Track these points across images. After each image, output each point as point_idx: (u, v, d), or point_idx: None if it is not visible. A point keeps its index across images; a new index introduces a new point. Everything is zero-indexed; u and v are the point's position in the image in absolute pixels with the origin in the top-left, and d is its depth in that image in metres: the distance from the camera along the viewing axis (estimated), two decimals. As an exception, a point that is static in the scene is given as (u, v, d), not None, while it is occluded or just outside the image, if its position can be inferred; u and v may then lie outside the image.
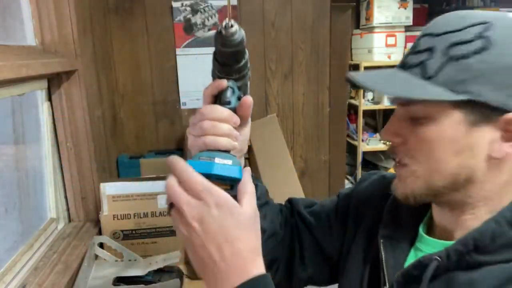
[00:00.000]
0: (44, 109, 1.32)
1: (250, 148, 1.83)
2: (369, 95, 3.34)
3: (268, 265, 0.53)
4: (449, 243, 0.52)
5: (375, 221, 0.64)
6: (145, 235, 1.35)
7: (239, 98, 0.54)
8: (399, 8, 3.26)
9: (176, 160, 0.47)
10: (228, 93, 0.52)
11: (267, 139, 1.85)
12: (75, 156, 1.39)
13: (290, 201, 0.78)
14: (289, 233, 0.74)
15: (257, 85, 2.06)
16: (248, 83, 0.57)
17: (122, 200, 1.33)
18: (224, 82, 0.52)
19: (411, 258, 0.58)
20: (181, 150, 1.98)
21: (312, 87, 2.10)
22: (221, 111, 0.51)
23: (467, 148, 0.50)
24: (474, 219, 0.52)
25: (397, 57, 3.38)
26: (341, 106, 2.45)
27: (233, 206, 0.45)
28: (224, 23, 0.48)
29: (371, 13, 3.25)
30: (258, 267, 0.46)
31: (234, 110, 0.53)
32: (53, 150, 1.36)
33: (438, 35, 0.51)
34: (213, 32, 1.97)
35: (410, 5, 3.26)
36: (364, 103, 3.24)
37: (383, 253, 0.59)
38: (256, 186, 0.58)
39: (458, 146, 0.50)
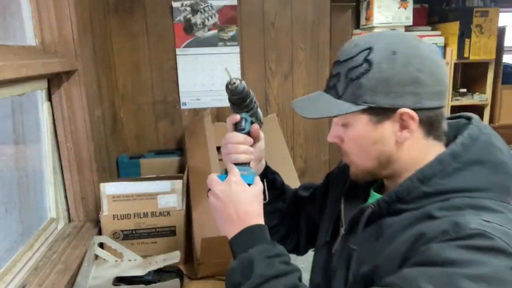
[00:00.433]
0: (44, 109, 1.32)
1: (250, 148, 1.83)
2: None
3: (283, 237, 0.97)
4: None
5: (342, 190, 0.83)
6: (145, 235, 1.35)
7: (252, 122, 0.81)
8: (399, 8, 3.26)
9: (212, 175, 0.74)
10: (242, 122, 0.80)
11: (267, 139, 1.84)
12: (75, 156, 1.39)
13: (299, 187, 1.06)
14: (296, 211, 1.00)
15: (257, 85, 2.06)
16: (258, 110, 0.83)
17: (122, 200, 1.33)
18: (237, 116, 0.80)
19: None
20: (181, 150, 1.98)
21: (312, 87, 2.10)
22: (238, 136, 0.79)
23: (379, 139, 0.69)
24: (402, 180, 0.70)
25: (397, 57, 3.38)
26: (341, 106, 2.44)
27: (245, 186, 0.71)
28: (228, 81, 0.73)
29: (371, 13, 3.25)
30: (259, 221, 0.70)
31: (248, 133, 0.80)
32: (53, 150, 1.36)
33: (341, 62, 0.69)
34: (213, 32, 1.98)
35: (410, 5, 3.26)
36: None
37: (343, 209, 0.80)
38: (275, 179, 0.98)
39: (372, 139, 0.69)
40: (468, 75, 4.01)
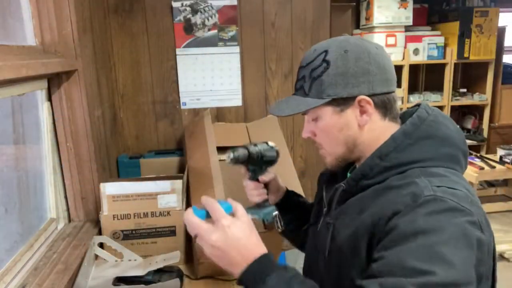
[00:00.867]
0: (44, 109, 1.32)
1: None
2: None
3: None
4: None
5: (326, 179, 0.96)
6: (145, 235, 1.35)
7: (260, 169, 1.01)
8: (399, 8, 3.26)
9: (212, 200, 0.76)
10: (251, 174, 1.01)
11: (267, 139, 1.85)
12: (75, 156, 1.39)
13: None
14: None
15: (257, 85, 2.06)
16: (262, 165, 1.00)
17: (122, 200, 1.33)
18: (246, 170, 1.01)
19: None
20: (180, 150, 1.98)
21: (312, 87, 2.09)
22: (249, 184, 1.02)
23: (344, 125, 0.80)
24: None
25: (397, 57, 3.38)
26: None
27: (235, 223, 0.72)
28: (226, 156, 0.91)
29: (371, 13, 3.25)
30: (261, 250, 0.71)
31: (258, 179, 1.02)
32: (53, 150, 1.36)
33: (304, 66, 0.83)
34: (213, 32, 1.98)
35: (410, 5, 3.26)
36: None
37: (324, 193, 0.92)
38: (298, 201, 1.14)
39: (338, 126, 0.81)
40: (468, 75, 4.01)
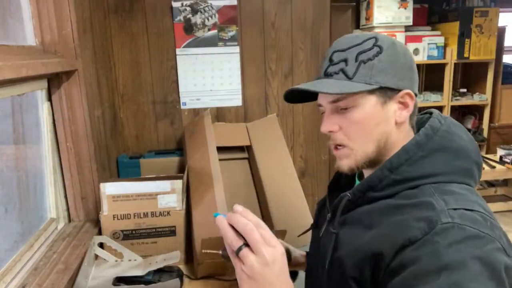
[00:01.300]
0: (44, 109, 1.32)
1: (250, 148, 1.83)
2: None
3: None
4: None
5: (329, 183, 0.92)
6: (145, 235, 1.35)
7: None
8: (399, 8, 3.26)
9: (249, 211, 0.63)
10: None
11: (267, 139, 1.85)
12: (75, 156, 1.39)
13: None
14: None
15: (257, 85, 2.06)
16: None
17: (122, 200, 1.33)
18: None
19: None
20: (181, 150, 1.98)
21: (312, 87, 2.09)
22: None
23: (383, 120, 0.74)
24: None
25: (397, 57, 3.37)
26: (341, 106, 2.44)
27: (284, 252, 0.61)
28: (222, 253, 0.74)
29: (371, 13, 3.25)
30: None
31: None
32: (53, 150, 1.36)
33: (343, 50, 0.74)
34: (213, 32, 1.98)
35: (410, 5, 3.26)
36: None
37: (328, 197, 0.88)
38: (296, 258, 1.04)
39: (377, 120, 0.73)
40: (468, 75, 4.01)
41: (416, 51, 3.48)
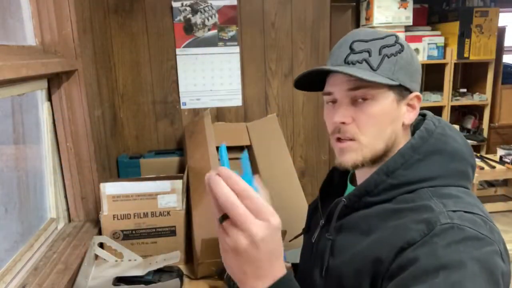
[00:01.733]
0: (44, 109, 1.32)
1: (250, 148, 1.83)
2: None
3: None
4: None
5: (322, 186, 0.91)
6: (145, 235, 1.35)
7: None
8: (399, 8, 3.26)
9: (233, 174, 0.51)
10: None
11: (267, 139, 1.85)
12: (75, 156, 1.39)
13: None
14: None
15: (257, 85, 2.06)
16: None
17: (122, 200, 1.33)
18: None
19: None
20: (181, 150, 1.98)
21: (312, 87, 2.09)
22: None
23: (396, 118, 0.73)
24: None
25: (397, 57, 3.37)
26: (341, 106, 2.44)
27: (279, 227, 0.52)
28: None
29: (371, 13, 3.25)
30: (283, 270, 0.54)
31: None
32: (53, 150, 1.36)
33: (366, 41, 0.72)
34: (213, 32, 1.98)
35: (410, 5, 3.26)
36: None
37: (319, 200, 0.87)
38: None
39: (392, 117, 0.72)
40: (468, 75, 4.01)
41: (416, 51, 3.48)
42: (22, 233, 1.16)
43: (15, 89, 1.08)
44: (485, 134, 3.85)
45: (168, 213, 1.35)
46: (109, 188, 1.32)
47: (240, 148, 1.86)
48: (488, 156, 3.46)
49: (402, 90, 0.72)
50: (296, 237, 0.98)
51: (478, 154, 3.50)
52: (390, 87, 0.71)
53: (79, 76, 1.35)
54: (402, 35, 3.35)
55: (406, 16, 3.27)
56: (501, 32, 3.73)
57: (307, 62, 2.08)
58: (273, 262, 0.52)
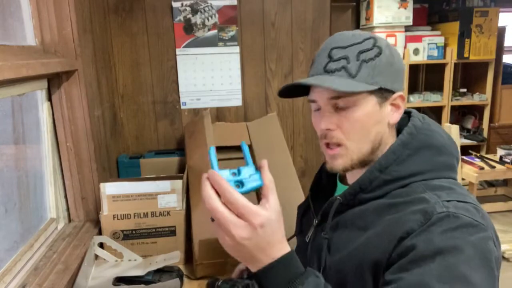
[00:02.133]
0: (44, 109, 1.32)
1: (250, 148, 1.83)
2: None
3: None
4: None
5: (311, 187, 0.93)
6: (145, 235, 1.35)
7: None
8: (399, 8, 3.26)
9: (218, 177, 0.59)
10: None
11: (267, 138, 1.85)
12: (75, 156, 1.39)
13: None
14: None
15: (257, 85, 2.06)
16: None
17: (122, 200, 1.33)
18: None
19: None
20: (181, 150, 1.98)
21: (312, 87, 2.09)
22: None
23: (380, 120, 0.74)
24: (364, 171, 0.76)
25: (397, 57, 3.37)
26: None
27: (272, 221, 0.58)
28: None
29: (371, 13, 3.25)
30: (286, 247, 0.60)
31: None
32: (53, 150, 1.36)
33: (343, 47, 0.73)
34: (213, 32, 1.98)
35: (410, 5, 3.26)
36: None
37: (310, 200, 0.89)
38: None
39: (375, 119, 0.74)
40: (468, 75, 4.02)
41: (416, 51, 3.48)
42: (22, 233, 1.16)
43: (15, 89, 1.08)
44: (485, 134, 3.85)
45: (168, 213, 1.35)
46: (109, 188, 1.32)
47: (240, 148, 1.86)
48: (488, 156, 3.47)
49: (383, 92, 0.73)
50: (289, 239, 0.97)
51: (478, 154, 3.50)
52: (371, 91, 0.72)
53: (79, 76, 1.35)
54: (402, 35, 3.36)
55: (406, 16, 3.27)
56: (501, 32, 3.74)
57: (307, 62, 2.08)
58: (259, 255, 0.58)
